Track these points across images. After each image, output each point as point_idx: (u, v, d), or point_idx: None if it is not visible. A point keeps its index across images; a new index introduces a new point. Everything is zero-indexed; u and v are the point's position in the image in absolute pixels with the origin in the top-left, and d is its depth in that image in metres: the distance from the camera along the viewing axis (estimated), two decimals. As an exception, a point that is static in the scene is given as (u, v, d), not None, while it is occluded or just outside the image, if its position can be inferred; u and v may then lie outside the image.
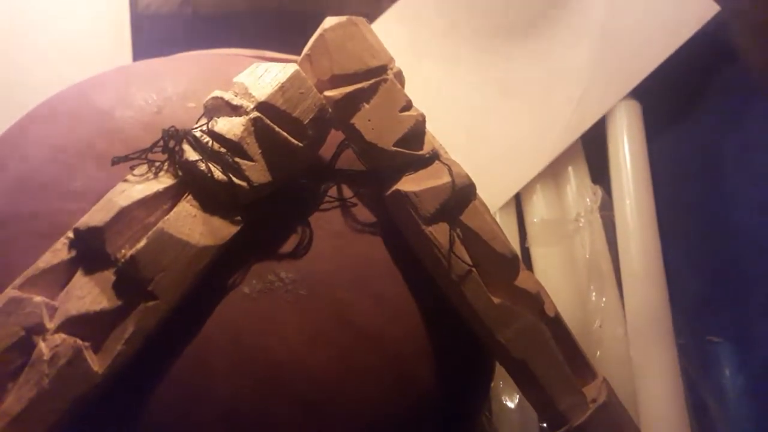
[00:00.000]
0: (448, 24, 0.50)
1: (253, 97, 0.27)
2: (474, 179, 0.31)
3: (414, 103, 0.30)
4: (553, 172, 0.46)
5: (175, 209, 0.25)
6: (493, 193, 0.45)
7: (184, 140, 0.26)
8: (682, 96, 0.49)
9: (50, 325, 0.24)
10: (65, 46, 0.46)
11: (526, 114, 0.47)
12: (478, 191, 0.31)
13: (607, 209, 0.45)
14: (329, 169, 0.30)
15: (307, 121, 0.27)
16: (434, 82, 0.49)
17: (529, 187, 0.46)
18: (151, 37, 0.48)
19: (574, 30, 0.48)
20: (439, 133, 0.33)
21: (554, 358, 0.30)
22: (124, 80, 0.32)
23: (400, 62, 0.31)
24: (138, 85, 0.31)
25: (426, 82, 0.48)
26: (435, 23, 0.50)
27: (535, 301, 0.30)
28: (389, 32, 0.49)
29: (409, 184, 0.29)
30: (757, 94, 0.45)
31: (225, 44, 0.39)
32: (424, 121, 0.30)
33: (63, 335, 0.23)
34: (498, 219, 0.45)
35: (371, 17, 0.49)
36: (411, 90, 0.31)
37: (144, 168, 0.27)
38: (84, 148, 0.29)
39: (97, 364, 0.24)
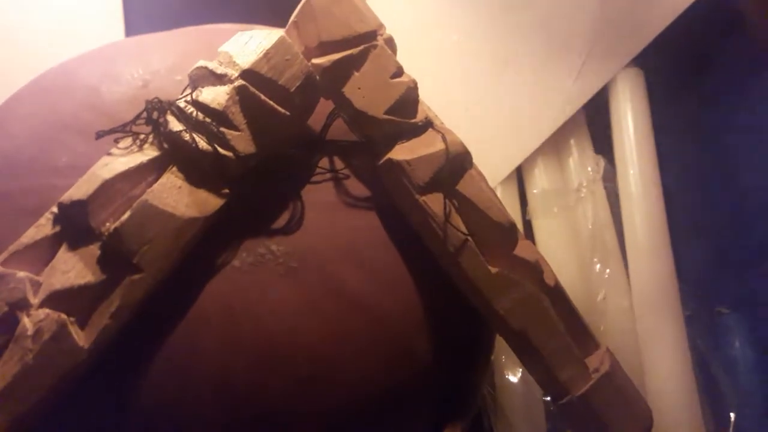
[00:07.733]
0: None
1: (238, 65, 0.26)
2: (475, 153, 0.30)
3: (416, 81, 0.29)
4: (554, 144, 0.46)
5: (160, 181, 0.25)
6: (494, 167, 0.44)
7: (168, 111, 0.26)
8: (685, 62, 0.48)
9: (34, 300, 0.23)
10: (57, 26, 0.45)
11: (526, 85, 0.46)
12: (479, 165, 0.30)
13: (610, 180, 0.44)
14: (320, 141, 0.30)
15: (293, 89, 0.26)
16: (433, 54, 0.48)
17: (531, 159, 0.45)
18: (144, 15, 0.48)
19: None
20: (439, 106, 0.32)
21: (554, 327, 0.29)
22: (110, 56, 0.32)
23: (397, 36, 0.30)
24: (124, 60, 0.31)
25: (425, 55, 0.48)
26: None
27: (534, 270, 0.29)
28: (387, 4, 0.48)
29: (401, 152, 0.28)
30: (761, 59, 0.44)
31: (217, 22, 0.38)
32: (416, 87, 0.29)
33: (47, 310, 0.23)
34: (499, 193, 0.44)
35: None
36: (409, 63, 0.30)
37: (128, 141, 0.26)
38: (70, 123, 0.28)
39: (83, 339, 0.23)
